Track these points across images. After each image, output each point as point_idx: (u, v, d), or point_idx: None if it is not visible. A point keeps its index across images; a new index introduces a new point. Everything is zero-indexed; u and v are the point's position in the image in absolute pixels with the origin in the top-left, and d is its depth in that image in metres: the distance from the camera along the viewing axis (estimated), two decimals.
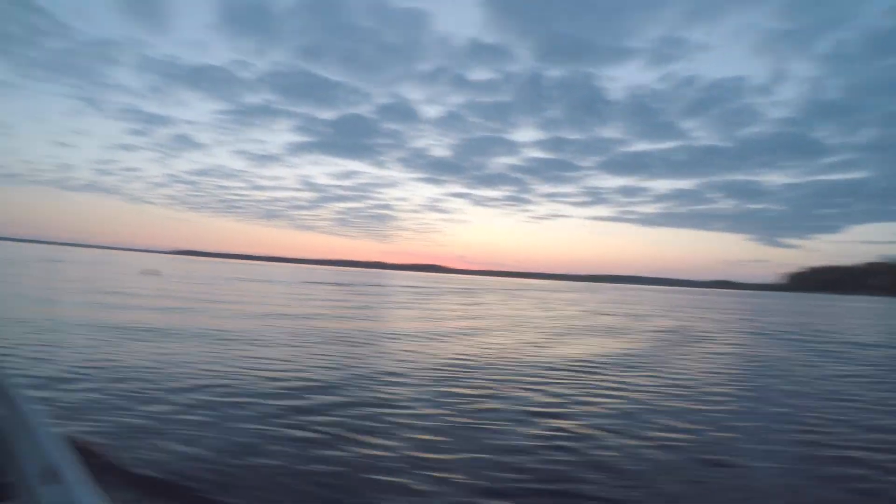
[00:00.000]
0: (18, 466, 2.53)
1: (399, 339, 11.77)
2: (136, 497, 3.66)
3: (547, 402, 6.65)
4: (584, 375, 8.65)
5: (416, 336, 12.40)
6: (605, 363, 10.07)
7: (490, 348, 11.01)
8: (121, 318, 12.02)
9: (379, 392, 6.68)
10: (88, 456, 3.89)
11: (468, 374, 8.13)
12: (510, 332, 15.00)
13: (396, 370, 8.09)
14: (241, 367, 7.65)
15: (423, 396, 6.56)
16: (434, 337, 12.39)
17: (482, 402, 6.47)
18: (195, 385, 6.44)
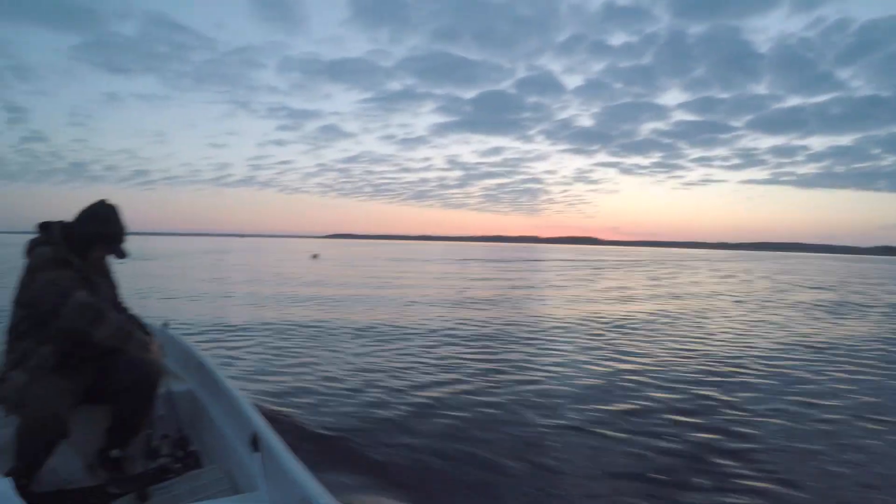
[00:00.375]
0: (214, 435, 2.80)
1: (645, 322, 11.24)
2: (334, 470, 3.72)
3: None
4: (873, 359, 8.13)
5: (656, 320, 11.74)
6: (878, 343, 9.54)
7: (736, 332, 10.41)
8: (311, 314, 11.74)
9: (735, 399, 5.89)
10: (282, 426, 3.88)
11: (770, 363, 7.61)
12: (725, 309, 14.29)
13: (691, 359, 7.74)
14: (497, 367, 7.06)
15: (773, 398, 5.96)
16: (669, 320, 11.89)
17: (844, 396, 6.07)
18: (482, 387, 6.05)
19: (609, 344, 8.72)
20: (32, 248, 2.52)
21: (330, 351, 7.66)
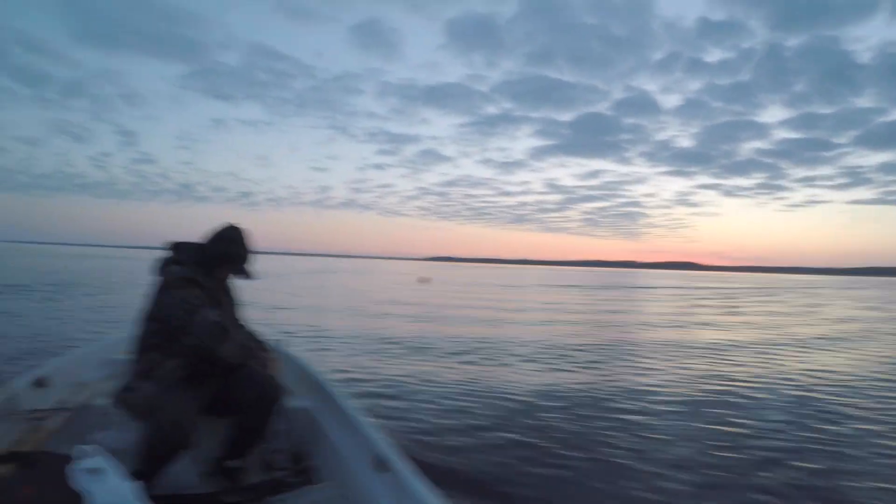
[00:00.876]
0: (331, 452, 2.91)
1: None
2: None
3: None
4: None
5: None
6: None
7: None
8: (440, 346, 10.83)
9: None
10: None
11: None
12: None
13: None
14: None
15: None
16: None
17: None
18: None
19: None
20: (165, 265, 2.77)
21: (461, 390, 7.07)
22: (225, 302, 2.98)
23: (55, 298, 16.75)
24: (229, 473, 2.81)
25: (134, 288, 22.40)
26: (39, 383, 3.26)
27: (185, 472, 2.68)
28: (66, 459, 2.04)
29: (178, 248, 2.83)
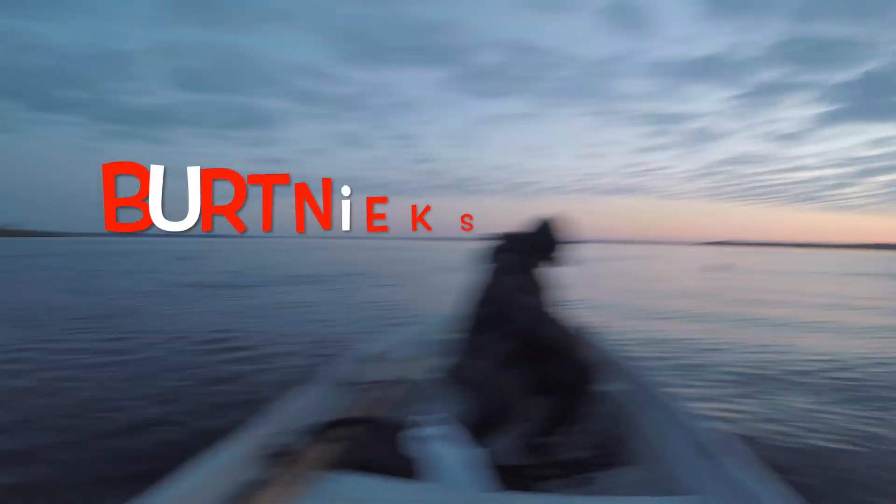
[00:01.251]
0: (643, 435, 2.92)
1: None
2: None
3: None
4: None
5: None
6: None
7: None
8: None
9: None
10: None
11: None
12: None
13: None
14: None
15: None
16: None
17: None
18: None
19: None
20: (497, 253, 3.06)
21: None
22: (542, 289, 3.17)
23: (366, 286, 19.01)
24: (543, 450, 2.99)
25: (426, 277, 24.90)
26: (377, 357, 3.81)
27: (502, 444, 2.87)
28: (405, 426, 2.45)
29: (508, 237, 3.10)
